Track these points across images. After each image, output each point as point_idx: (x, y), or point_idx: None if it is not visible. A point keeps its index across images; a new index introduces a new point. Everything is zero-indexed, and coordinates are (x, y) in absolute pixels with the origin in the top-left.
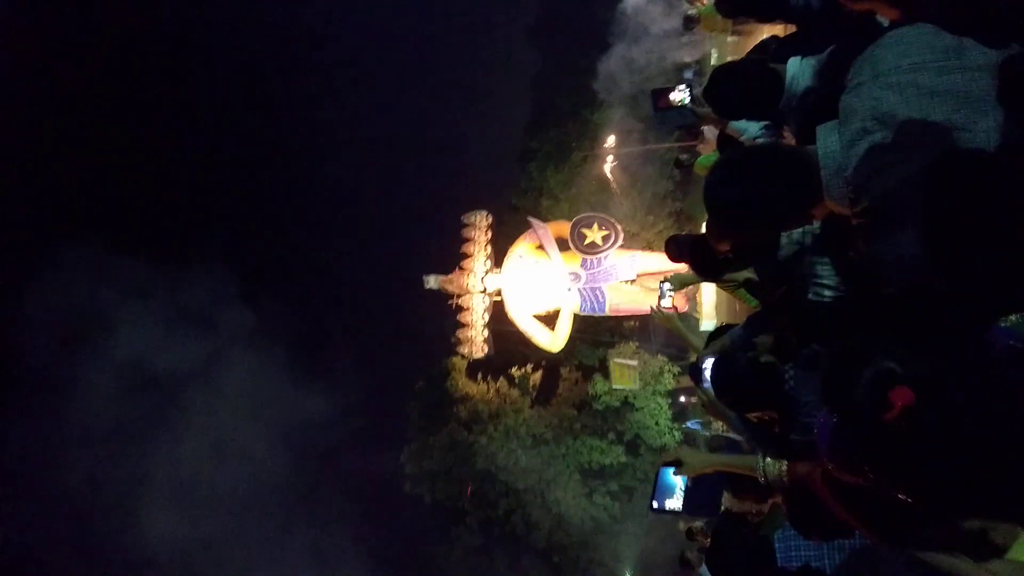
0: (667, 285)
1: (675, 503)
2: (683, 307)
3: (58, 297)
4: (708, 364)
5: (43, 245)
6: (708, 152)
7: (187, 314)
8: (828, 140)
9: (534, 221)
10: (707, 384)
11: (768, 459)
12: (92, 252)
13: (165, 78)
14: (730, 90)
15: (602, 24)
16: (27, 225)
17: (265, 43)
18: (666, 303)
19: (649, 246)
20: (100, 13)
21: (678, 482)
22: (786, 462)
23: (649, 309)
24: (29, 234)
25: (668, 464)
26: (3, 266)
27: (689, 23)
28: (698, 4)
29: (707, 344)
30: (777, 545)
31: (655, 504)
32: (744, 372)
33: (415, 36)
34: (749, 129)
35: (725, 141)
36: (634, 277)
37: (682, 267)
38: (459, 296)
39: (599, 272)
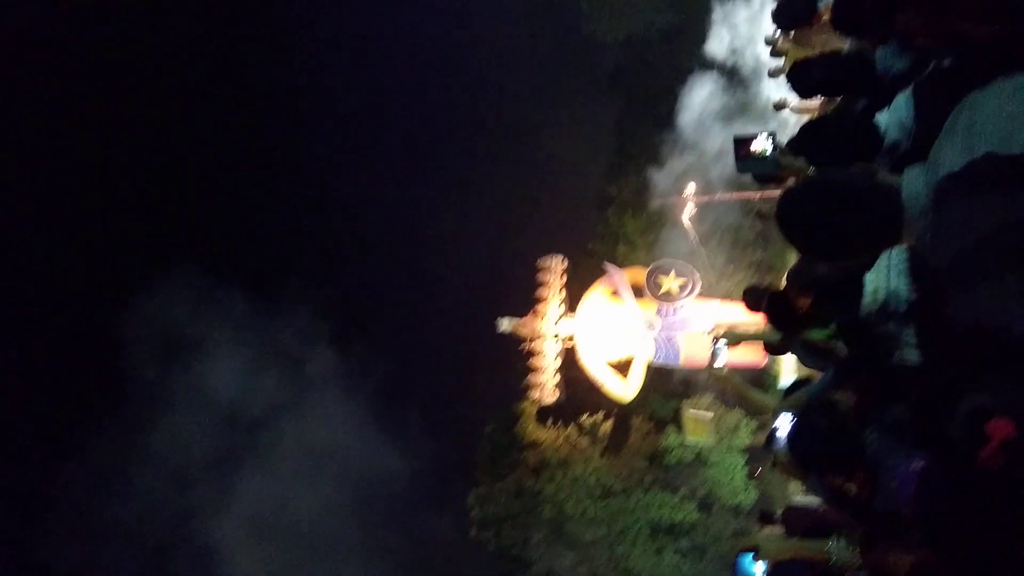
0: (721, 342)
1: None
2: (762, 361)
3: (155, 320)
4: (782, 423)
5: (147, 268)
6: None
7: (264, 346)
8: (915, 183)
9: (610, 267)
10: (781, 444)
11: (841, 542)
12: (194, 281)
13: (279, 113)
14: (829, 140)
15: (685, 71)
16: (132, 246)
17: (346, 83)
18: (720, 362)
19: (728, 296)
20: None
21: (758, 569)
22: (859, 547)
23: (706, 369)
24: (133, 255)
25: (746, 550)
26: (105, 285)
27: (778, 107)
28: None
29: (783, 399)
30: None
31: None
32: (822, 434)
33: (498, 82)
34: None
35: None
36: (711, 328)
37: (760, 320)
38: (532, 340)
39: (675, 321)
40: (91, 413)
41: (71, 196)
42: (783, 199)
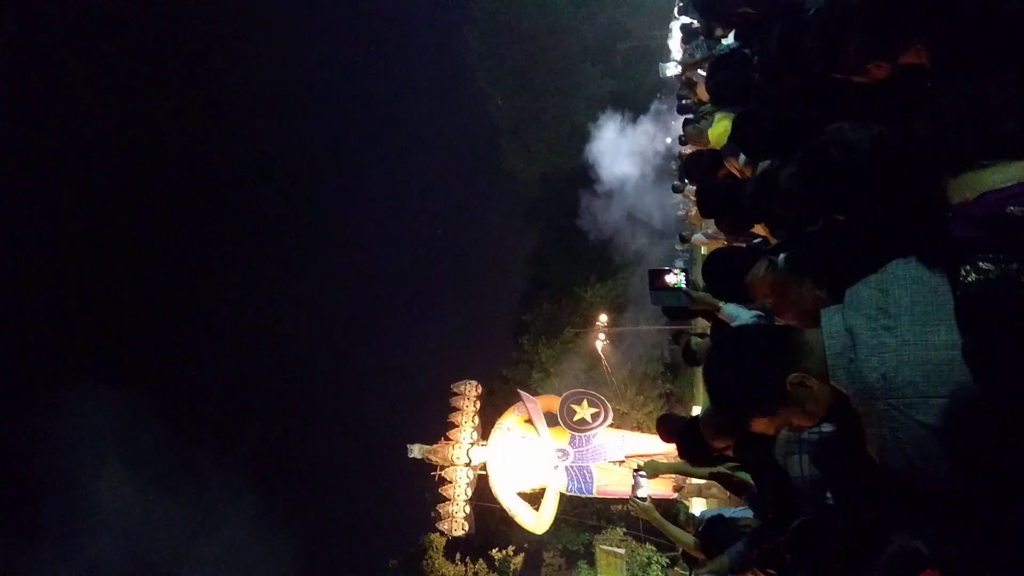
0: (641, 474)
1: None
2: (674, 493)
3: (62, 434)
4: None
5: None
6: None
7: (174, 470)
8: (832, 322)
9: (524, 394)
10: None
11: None
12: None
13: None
14: (724, 273)
15: (598, 207)
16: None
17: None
18: (642, 493)
19: (639, 427)
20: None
21: None
22: None
23: (629, 497)
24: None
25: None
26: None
27: (684, 239)
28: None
29: (698, 536)
30: None
31: None
32: None
33: (417, 212)
34: (741, 315)
35: (717, 327)
36: (623, 458)
37: (672, 449)
38: (443, 468)
39: (588, 451)
40: None
41: None
42: (705, 366)
